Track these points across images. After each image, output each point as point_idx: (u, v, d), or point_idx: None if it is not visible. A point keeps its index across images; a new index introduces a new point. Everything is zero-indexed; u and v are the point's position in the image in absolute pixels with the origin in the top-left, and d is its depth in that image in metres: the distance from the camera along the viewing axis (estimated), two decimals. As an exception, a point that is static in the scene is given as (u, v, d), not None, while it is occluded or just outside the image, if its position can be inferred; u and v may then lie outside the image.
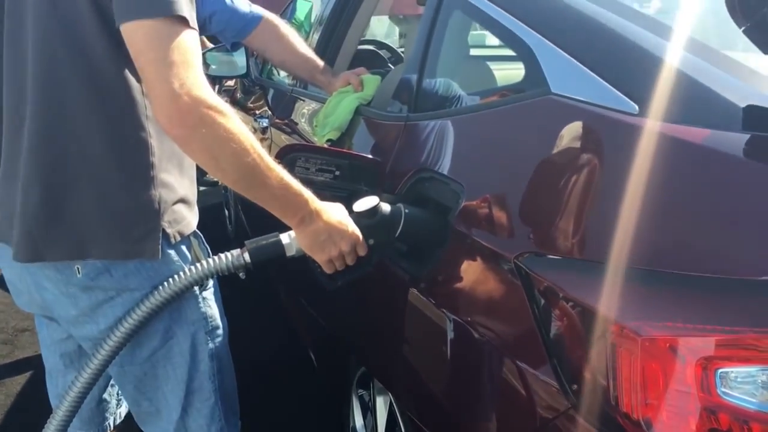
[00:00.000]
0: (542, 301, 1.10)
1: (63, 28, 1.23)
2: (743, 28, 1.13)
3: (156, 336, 1.39)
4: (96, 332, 1.36)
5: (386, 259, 1.56)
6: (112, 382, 1.64)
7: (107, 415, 1.68)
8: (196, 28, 1.19)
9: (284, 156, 1.58)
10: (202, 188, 1.48)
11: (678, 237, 0.99)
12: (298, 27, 3.19)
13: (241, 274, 1.38)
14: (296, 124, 2.68)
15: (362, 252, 1.39)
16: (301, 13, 3.38)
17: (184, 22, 1.15)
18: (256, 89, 3.51)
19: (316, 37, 2.79)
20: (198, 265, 1.34)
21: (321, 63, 2.22)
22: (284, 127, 2.81)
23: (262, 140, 2.96)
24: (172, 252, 1.35)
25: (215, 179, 4.96)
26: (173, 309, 1.38)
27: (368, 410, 1.91)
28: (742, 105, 1.06)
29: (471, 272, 1.32)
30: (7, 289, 1.52)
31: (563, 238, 1.10)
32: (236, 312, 1.73)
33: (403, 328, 1.54)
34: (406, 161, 1.60)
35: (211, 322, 1.46)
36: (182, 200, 1.37)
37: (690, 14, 1.42)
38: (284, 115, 2.84)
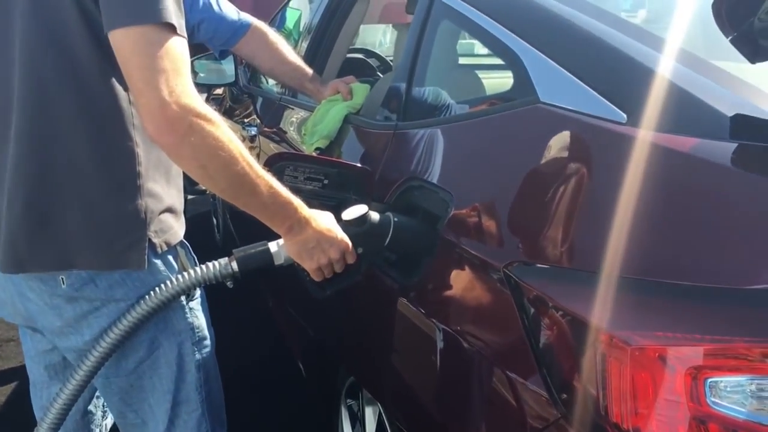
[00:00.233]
0: (531, 311, 1.09)
1: (50, 36, 1.22)
2: (730, 38, 1.14)
3: (142, 347, 1.38)
4: (81, 343, 1.34)
5: (375, 268, 1.55)
6: (97, 393, 1.62)
7: (92, 427, 1.66)
8: (185, 35, 1.18)
9: (273, 164, 1.58)
10: (189, 197, 1.47)
11: (667, 246, 0.99)
12: (287, 35, 3.18)
13: (228, 284, 1.37)
14: (285, 132, 2.67)
15: (351, 260, 1.39)
16: (290, 22, 3.38)
17: (173, 29, 1.15)
18: (245, 97, 3.50)
19: (304, 45, 2.78)
20: (184, 274, 1.32)
21: (310, 71, 2.21)
22: (273, 135, 2.80)
23: (250, 149, 2.95)
24: (158, 262, 1.34)
25: (203, 188, 4.94)
26: (159, 319, 1.37)
27: (357, 420, 1.90)
28: (730, 114, 1.07)
29: (460, 281, 1.31)
30: (-9, 299, 1.50)
31: (552, 247, 1.10)
32: (224, 321, 1.72)
33: (392, 337, 1.54)
34: (395, 170, 1.60)
35: (197, 332, 1.44)
36: (169, 210, 1.36)
37: (678, 23, 1.43)
38: (273, 123, 2.83)
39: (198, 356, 1.45)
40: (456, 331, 1.28)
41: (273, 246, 1.36)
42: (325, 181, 1.63)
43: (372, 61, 4.13)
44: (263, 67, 2.28)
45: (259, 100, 3.24)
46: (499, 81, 2.29)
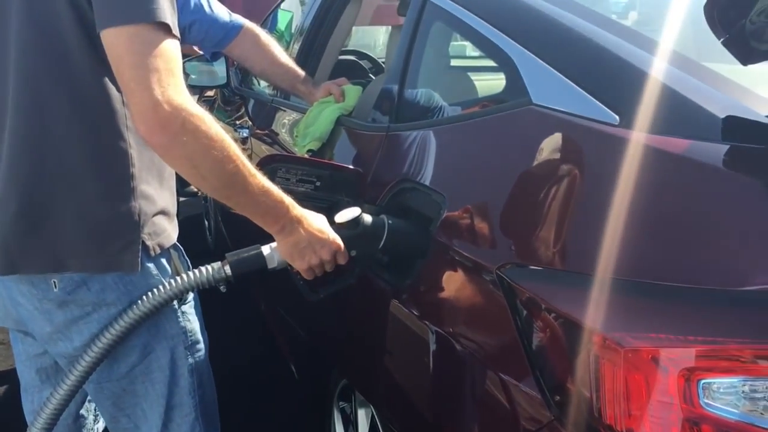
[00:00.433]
0: (524, 312, 1.09)
1: (43, 36, 1.22)
2: (722, 40, 1.14)
3: (134, 352, 1.37)
4: (71, 349, 1.33)
5: (367, 270, 1.55)
6: (89, 397, 1.61)
7: (84, 431, 1.65)
8: (179, 36, 1.18)
9: (265, 166, 1.57)
10: (181, 199, 1.46)
11: (659, 248, 0.99)
12: (279, 37, 3.18)
13: (221, 288, 1.36)
14: (277, 134, 2.67)
15: (342, 261, 1.38)
16: (281, 23, 3.37)
17: (166, 29, 1.14)
18: (237, 99, 3.49)
19: (296, 47, 2.78)
20: (177, 278, 1.32)
21: (302, 73, 2.21)
22: (265, 137, 2.79)
23: (242, 150, 2.94)
24: (151, 265, 1.33)
25: (195, 190, 4.94)
26: (151, 324, 1.36)
27: (350, 423, 1.90)
28: (722, 116, 1.07)
29: (453, 283, 1.31)
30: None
31: (545, 248, 1.10)
32: (216, 325, 1.71)
33: (384, 339, 1.53)
34: (388, 172, 1.60)
35: (190, 336, 1.44)
36: (162, 212, 1.35)
37: (670, 25, 1.43)
38: (265, 125, 2.82)
39: (191, 360, 1.44)
40: (449, 334, 1.28)
41: (266, 249, 1.36)
42: (318, 183, 1.63)
43: (364, 63, 4.13)
44: (255, 68, 2.28)
45: (251, 102, 3.24)
46: (492, 83, 2.29)
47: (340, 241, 1.36)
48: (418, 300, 1.40)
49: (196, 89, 3.71)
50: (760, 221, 0.95)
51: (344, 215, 1.38)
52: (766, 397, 0.88)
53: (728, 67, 1.22)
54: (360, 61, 4.11)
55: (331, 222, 1.38)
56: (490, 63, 1.63)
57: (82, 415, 1.63)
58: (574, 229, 1.08)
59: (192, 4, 2.01)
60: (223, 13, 2.11)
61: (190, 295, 1.45)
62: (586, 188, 1.10)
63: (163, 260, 1.37)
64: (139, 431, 1.45)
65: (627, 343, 0.93)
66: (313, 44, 2.63)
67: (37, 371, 1.52)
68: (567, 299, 1.03)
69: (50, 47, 1.22)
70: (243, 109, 3.33)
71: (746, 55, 1.15)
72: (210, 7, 2.05)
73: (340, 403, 1.96)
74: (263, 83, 3.18)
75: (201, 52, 2.65)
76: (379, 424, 1.66)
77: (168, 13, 1.14)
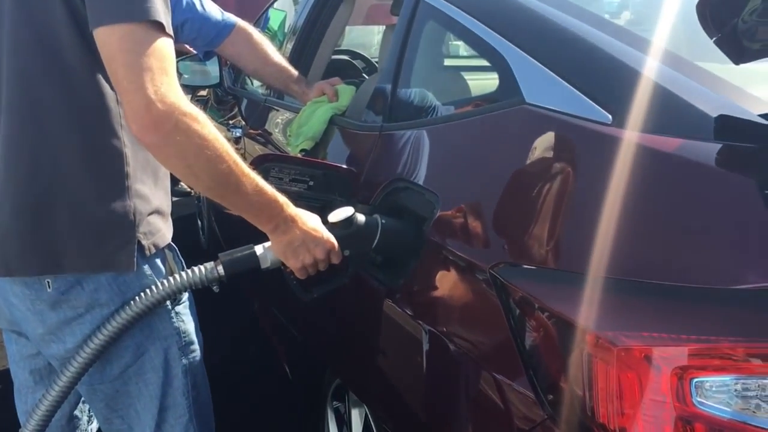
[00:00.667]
0: (517, 312, 1.09)
1: (37, 35, 1.21)
2: (714, 39, 1.14)
3: (127, 352, 1.36)
4: (63, 351, 1.33)
5: (361, 269, 1.55)
6: (83, 398, 1.61)
7: (78, 432, 1.64)
8: (172, 34, 1.17)
9: (257, 166, 1.57)
10: (174, 198, 1.46)
11: (652, 247, 0.99)
12: (272, 36, 3.17)
13: (214, 288, 1.36)
14: (270, 134, 2.66)
15: (336, 260, 1.38)
16: (275, 23, 3.36)
17: (160, 27, 1.13)
18: (230, 99, 3.49)
19: (290, 46, 2.77)
20: (169, 279, 1.31)
21: (295, 72, 2.20)
22: (258, 137, 2.79)
23: (235, 150, 2.93)
24: (145, 266, 1.33)
25: (188, 189, 4.92)
26: (144, 325, 1.35)
27: (343, 422, 1.90)
28: (714, 115, 1.07)
29: (446, 283, 1.31)
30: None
31: (538, 248, 1.10)
32: (209, 325, 1.71)
33: (377, 339, 1.53)
34: (381, 171, 1.60)
35: (184, 337, 1.43)
36: (157, 211, 1.35)
37: (662, 25, 1.43)
38: (258, 124, 2.82)
39: (185, 361, 1.43)
40: (442, 333, 1.28)
41: (259, 249, 1.35)
42: (311, 183, 1.63)
43: (358, 63, 4.13)
44: (248, 68, 2.27)
45: (244, 101, 3.23)
46: (485, 82, 2.29)
47: (334, 241, 1.36)
48: (411, 299, 1.40)
49: (188, 89, 3.70)
50: (752, 220, 0.96)
51: (337, 215, 1.37)
52: (758, 395, 0.88)
53: (720, 66, 1.23)
54: (353, 61, 4.11)
55: (325, 221, 1.38)
56: (484, 62, 1.63)
57: (76, 416, 1.63)
58: (566, 228, 1.08)
59: (184, 2, 2.00)
60: (215, 11, 2.10)
61: (184, 296, 1.45)
62: (578, 187, 1.10)
63: (158, 260, 1.37)
64: (132, 432, 1.44)
65: (620, 342, 0.93)
66: (306, 43, 2.62)
67: (30, 372, 1.52)
68: (560, 298, 1.03)
69: (44, 46, 1.22)
70: (236, 109, 3.32)
71: (738, 54, 1.15)
72: (202, 5, 2.04)
73: (334, 402, 1.96)
74: (256, 83, 3.17)
75: (195, 51, 2.64)
76: (372, 423, 1.65)
77: (161, 12, 1.13)
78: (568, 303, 1.00)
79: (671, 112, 1.11)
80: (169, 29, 1.16)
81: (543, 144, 1.20)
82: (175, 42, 1.20)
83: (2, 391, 2.71)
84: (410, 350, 1.38)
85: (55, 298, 1.29)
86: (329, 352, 1.91)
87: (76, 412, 1.62)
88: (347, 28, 3.43)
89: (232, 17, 2.14)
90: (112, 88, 1.23)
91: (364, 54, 4.41)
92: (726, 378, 0.89)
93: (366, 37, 6.52)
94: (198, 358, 1.47)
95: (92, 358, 1.28)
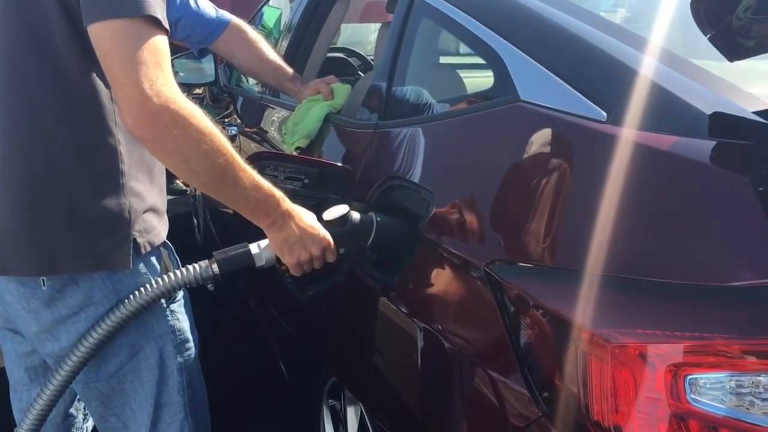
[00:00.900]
0: (512, 309, 1.10)
1: (30, 34, 1.21)
2: (709, 36, 1.14)
3: (122, 351, 1.36)
4: (57, 349, 1.32)
5: (356, 267, 1.55)
6: (79, 396, 1.60)
7: (73, 430, 1.64)
8: (168, 30, 1.17)
9: (252, 163, 1.57)
10: (170, 197, 1.46)
11: (647, 244, 0.99)
12: (267, 34, 3.16)
13: (209, 286, 1.36)
14: (265, 131, 2.66)
15: (331, 258, 1.38)
16: (269, 20, 3.35)
17: (154, 22, 1.13)
18: (225, 97, 3.48)
19: (285, 44, 2.77)
20: (164, 277, 1.31)
21: (290, 70, 2.20)
22: (253, 135, 2.79)
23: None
24: (140, 264, 1.33)
25: (184, 188, 4.92)
26: (139, 323, 1.35)
27: (339, 420, 1.90)
28: (709, 112, 1.07)
29: (441, 280, 1.31)
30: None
31: (533, 245, 1.10)
32: (205, 323, 1.71)
33: (373, 337, 1.53)
34: (376, 169, 1.60)
35: (179, 335, 1.43)
36: (152, 209, 1.35)
37: (657, 22, 1.43)
38: (253, 122, 2.82)
39: (180, 359, 1.43)
40: (437, 331, 1.28)
41: (254, 248, 1.35)
42: (306, 181, 1.63)
43: (353, 61, 4.12)
44: (242, 65, 2.26)
45: (240, 99, 3.22)
46: (480, 80, 2.29)
47: (330, 238, 1.36)
48: (406, 297, 1.40)
49: (184, 87, 3.69)
50: (747, 217, 0.96)
51: (332, 212, 1.37)
52: (752, 392, 0.88)
53: (715, 63, 1.23)
54: (349, 59, 4.10)
55: (320, 219, 1.37)
56: (479, 60, 1.63)
57: (72, 414, 1.63)
58: (561, 225, 1.08)
59: (178, 0, 1.99)
60: (209, 9, 2.09)
61: (179, 294, 1.45)
62: (573, 185, 1.10)
63: (153, 259, 1.36)
64: (127, 430, 1.44)
65: (614, 339, 0.93)
66: (301, 41, 2.62)
67: (26, 370, 1.51)
68: (555, 296, 1.03)
69: (37, 44, 1.21)
70: (231, 107, 3.32)
71: (733, 52, 1.16)
72: (196, 3, 2.04)
73: (330, 400, 1.96)
74: (252, 81, 3.17)
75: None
76: (368, 421, 1.65)
77: (156, 7, 1.13)
78: (563, 300, 1.01)
79: (666, 110, 1.11)
80: (165, 24, 1.15)
81: (538, 142, 1.20)
82: (169, 39, 1.19)
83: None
84: (405, 348, 1.38)
85: (50, 296, 1.29)
86: (325, 350, 1.91)
87: (72, 410, 1.62)
88: (343, 25, 3.42)
89: (226, 15, 2.13)
90: (106, 85, 1.23)
91: (360, 52, 4.41)
92: (720, 375, 0.90)
93: (361, 35, 6.50)
94: (193, 356, 1.47)
95: (87, 356, 1.28)
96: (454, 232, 1.28)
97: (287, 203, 1.31)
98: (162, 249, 1.39)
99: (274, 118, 2.58)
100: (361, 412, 1.71)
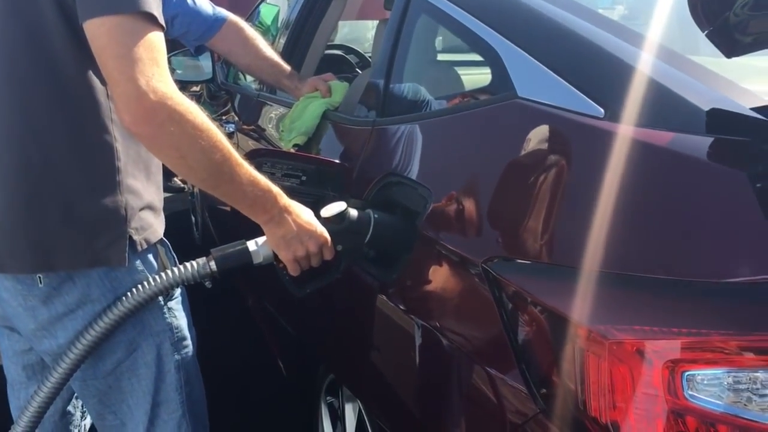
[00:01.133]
0: (510, 306, 1.10)
1: (26, 30, 1.21)
2: (706, 32, 1.14)
3: (119, 348, 1.36)
4: (55, 347, 1.32)
5: (354, 264, 1.55)
6: (76, 394, 1.60)
7: (71, 428, 1.64)
8: (164, 26, 1.17)
9: (250, 160, 1.57)
10: (168, 194, 1.46)
11: (644, 240, 0.99)
12: (265, 31, 3.16)
13: (207, 283, 1.36)
14: (263, 129, 2.66)
15: (329, 255, 1.38)
16: (267, 17, 3.35)
17: (150, 19, 1.13)
18: (223, 94, 3.48)
19: (282, 41, 2.77)
20: (161, 274, 1.31)
21: (287, 67, 2.19)
22: (251, 132, 2.78)
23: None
24: (137, 261, 1.33)
25: (182, 185, 4.91)
26: (137, 320, 1.35)
27: (337, 418, 1.90)
28: (706, 108, 1.07)
29: (439, 277, 1.31)
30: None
31: (531, 242, 1.10)
32: (203, 320, 1.71)
33: (371, 334, 1.53)
34: (374, 166, 1.59)
35: (177, 332, 1.43)
36: (149, 206, 1.34)
37: (655, 19, 1.43)
38: (251, 120, 2.81)
39: (177, 357, 1.43)
40: (435, 328, 1.28)
41: (251, 245, 1.35)
42: (303, 178, 1.62)
43: (351, 58, 4.12)
44: (240, 63, 2.26)
45: (237, 96, 3.22)
46: (477, 77, 2.29)
47: (328, 235, 1.36)
48: (404, 294, 1.40)
49: (181, 84, 3.68)
50: (744, 213, 0.96)
51: (330, 209, 1.37)
52: (749, 388, 0.88)
53: (713, 59, 1.23)
54: (347, 56, 4.10)
55: (317, 216, 1.37)
56: (476, 57, 1.63)
57: (69, 412, 1.63)
58: (559, 222, 1.08)
59: (174, -3, 1.99)
60: (206, 6, 2.09)
61: (177, 291, 1.45)
62: (571, 181, 1.10)
63: (150, 256, 1.36)
64: (125, 428, 1.44)
65: (611, 336, 0.93)
66: (299, 39, 2.62)
67: (23, 367, 1.51)
68: (552, 292, 1.03)
69: (33, 41, 1.21)
70: (229, 104, 3.32)
71: (730, 48, 1.16)
72: (193, 0, 2.04)
73: (328, 398, 1.96)
74: (249, 78, 3.16)
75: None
76: (366, 418, 1.65)
77: (152, 4, 1.13)
78: (560, 297, 1.01)
79: (664, 106, 1.11)
80: (161, 20, 1.15)
81: (536, 138, 1.20)
82: (166, 36, 1.19)
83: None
84: (403, 345, 1.38)
85: (47, 294, 1.29)
86: (323, 348, 1.91)
87: (69, 408, 1.62)
88: (340, 23, 3.42)
89: (223, 12, 2.13)
90: (102, 82, 1.23)
91: (358, 49, 4.40)
92: (717, 371, 0.90)
93: (359, 32, 6.50)
94: (191, 353, 1.47)
95: (84, 353, 1.28)
96: (452, 229, 1.28)
97: (285, 199, 1.31)
98: (159, 246, 1.39)
99: (272, 115, 2.57)
100: (359, 409, 1.71)
